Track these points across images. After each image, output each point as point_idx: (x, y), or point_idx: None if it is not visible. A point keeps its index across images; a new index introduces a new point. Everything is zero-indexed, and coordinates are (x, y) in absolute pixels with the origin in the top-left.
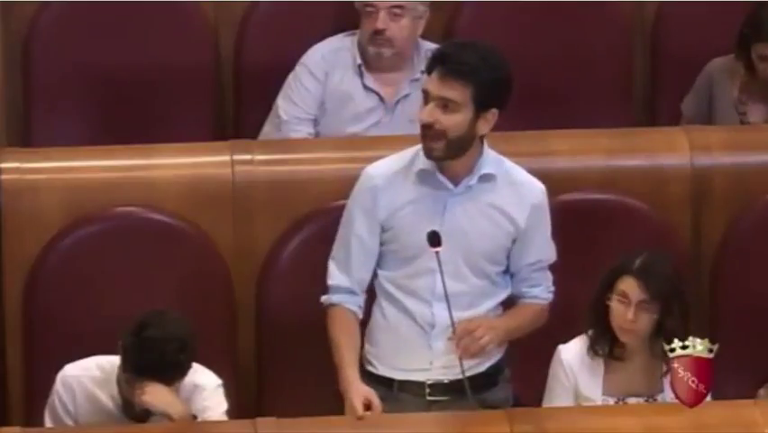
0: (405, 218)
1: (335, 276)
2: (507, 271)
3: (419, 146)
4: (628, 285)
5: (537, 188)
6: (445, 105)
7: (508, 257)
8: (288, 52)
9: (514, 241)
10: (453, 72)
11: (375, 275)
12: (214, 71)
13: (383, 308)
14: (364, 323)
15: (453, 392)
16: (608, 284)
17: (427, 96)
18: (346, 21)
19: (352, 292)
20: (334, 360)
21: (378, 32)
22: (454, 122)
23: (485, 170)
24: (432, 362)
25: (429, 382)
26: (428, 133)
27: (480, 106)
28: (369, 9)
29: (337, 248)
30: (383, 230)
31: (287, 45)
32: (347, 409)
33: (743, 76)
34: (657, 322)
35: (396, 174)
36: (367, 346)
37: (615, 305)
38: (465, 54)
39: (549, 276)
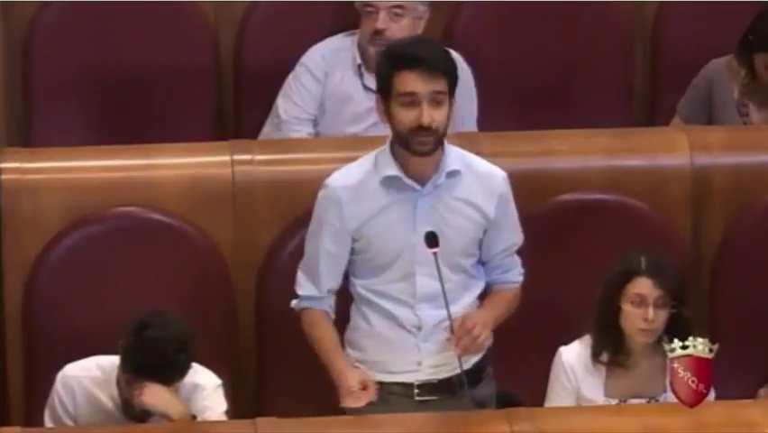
0: (376, 227)
1: (304, 287)
2: (478, 262)
3: (375, 153)
4: (642, 285)
5: (500, 177)
6: (436, 100)
7: (480, 247)
8: (288, 52)
9: (485, 232)
10: (433, 67)
11: (350, 283)
12: (214, 71)
13: (365, 313)
14: (342, 326)
15: (441, 392)
16: (616, 289)
17: (414, 98)
18: (346, 21)
19: (320, 298)
20: (320, 356)
21: (378, 32)
22: (444, 115)
23: (451, 167)
24: (421, 363)
25: (418, 383)
26: (426, 134)
27: (452, 98)
28: (369, 9)
29: (306, 260)
30: (354, 240)
31: (287, 45)
32: (343, 394)
33: (743, 78)
34: (672, 316)
35: (359, 184)
36: (352, 352)
37: (629, 308)
38: (432, 49)
39: (518, 259)
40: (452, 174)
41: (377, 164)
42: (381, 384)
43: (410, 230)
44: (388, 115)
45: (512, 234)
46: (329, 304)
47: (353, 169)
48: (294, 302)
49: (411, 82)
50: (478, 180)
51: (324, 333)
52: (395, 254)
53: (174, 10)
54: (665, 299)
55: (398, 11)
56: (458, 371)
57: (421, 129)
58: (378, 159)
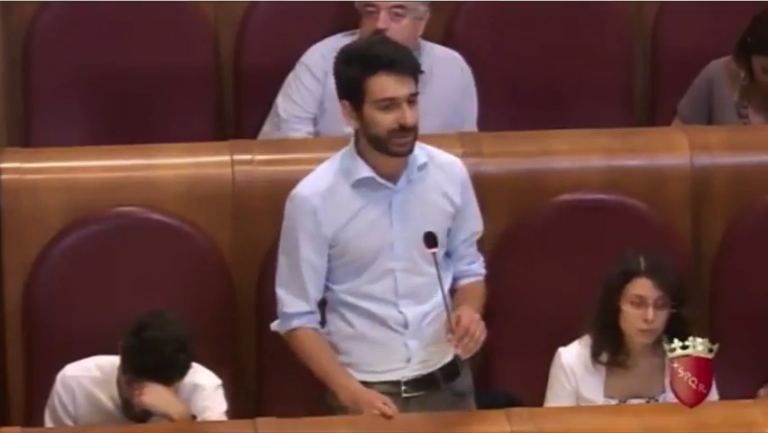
0: (353, 230)
1: (292, 304)
2: (445, 253)
3: (339, 157)
4: (642, 286)
5: (459, 164)
6: (412, 101)
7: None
8: (288, 52)
9: (452, 220)
10: (406, 69)
11: (327, 288)
12: (214, 71)
13: (345, 317)
14: None
15: (427, 387)
16: (615, 290)
17: (394, 101)
18: (346, 21)
19: (311, 313)
20: (323, 376)
21: (378, 32)
22: (418, 114)
23: (420, 161)
24: (410, 359)
25: (405, 380)
26: (406, 134)
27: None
28: (370, 9)
29: (285, 276)
30: (330, 246)
31: (287, 45)
32: (366, 412)
33: (743, 80)
34: (671, 316)
35: (330, 190)
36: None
37: (629, 309)
38: (398, 49)
39: (479, 253)
40: (422, 167)
41: (345, 168)
42: (368, 384)
43: (387, 228)
44: (359, 119)
45: (475, 222)
46: (318, 320)
47: (319, 175)
48: (276, 324)
49: (389, 86)
50: (441, 169)
51: (324, 353)
52: (374, 254)
53: (174, 10)
54: (665, 299)
55: (399, 11)
56: (438, 364)
57: (402, 130)
58: (344, 162)
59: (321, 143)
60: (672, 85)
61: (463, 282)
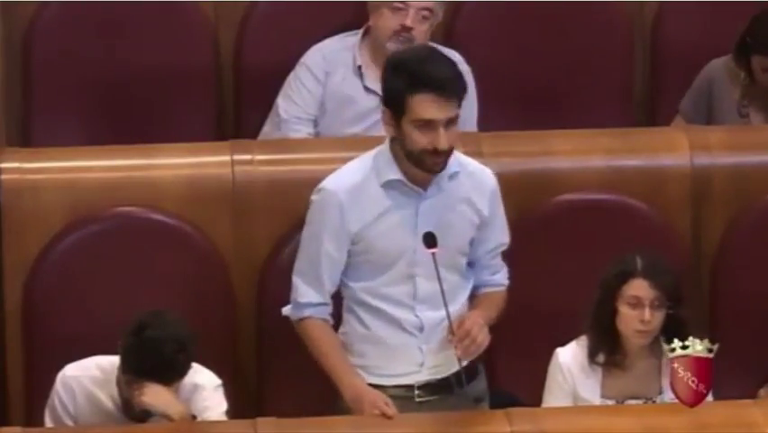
0: (378, 229)
1: (306, 293)
2: (467, 262)
3: (373, 155)
4: (638, 287)
5: (490, 175)
6: (451, 123)
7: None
8: (288, 52)
9: (477, 229)
10: (451, 92)
11: (345, 285)
12: (214, 71)
13: (361, 318)
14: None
15: (441, 391)
16: (612, 291)
17: (431, 124)
18: (346, 21)
19: (324, 304)
20: (328, 369)
21: (405, 29)
22: (456, 133)
23: (452, 170)
24: (423, 363)
25: (418, 384)
26: (443, 155)
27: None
28: (398, 5)
29: (303, 265)
30: (353, 243)
31: (287, 45)
32: (367, 411)
33: (743, 79)
34: (668, 316)
35: (358, 187)
36: (350, 358)
37: (625, 310)
38: (446, 67)
39: (503, 262)
40: (453, 176)
41: (377, 167)
42: (381, 387)
43: (412, 233)
44: (397, 129)
45: (501, 234)
46: (329, 312)
47: (350, 171)
48: (289, 310)
49: (430, 109)
50: (471, 179)
51: (332, 347)
52: (396, 257)
53: (174, 10)
54: (661, 300)
55: (426, 13)
56: (452, 370)
57: (435, 153)
58: (377, 162)
59: (321, 144)
60: (672, 84)
61: (483, 290)
